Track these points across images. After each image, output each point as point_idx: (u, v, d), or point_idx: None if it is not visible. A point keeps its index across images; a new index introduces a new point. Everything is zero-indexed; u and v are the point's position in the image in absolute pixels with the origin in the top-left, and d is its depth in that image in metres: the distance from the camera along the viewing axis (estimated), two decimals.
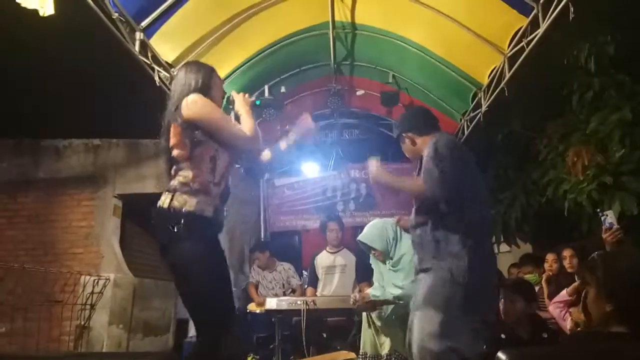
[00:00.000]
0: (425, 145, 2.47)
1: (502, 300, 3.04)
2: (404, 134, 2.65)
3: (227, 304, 2.20)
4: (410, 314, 2.40)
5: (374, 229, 3.58)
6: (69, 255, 6.23)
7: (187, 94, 2.21)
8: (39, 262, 5.97)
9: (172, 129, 2.20)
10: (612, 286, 1.33)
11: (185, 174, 2.17)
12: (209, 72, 2.37)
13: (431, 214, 2.33)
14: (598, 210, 3.11)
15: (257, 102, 2.48)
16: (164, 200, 2.15)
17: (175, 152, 2.19)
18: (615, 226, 2.60)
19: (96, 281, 5.73)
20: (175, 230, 2.08)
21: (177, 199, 2.12)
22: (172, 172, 2.24)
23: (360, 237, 3.62)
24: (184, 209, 2.10)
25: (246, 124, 2.28)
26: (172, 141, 2.19)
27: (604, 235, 2.62)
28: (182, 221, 2.09)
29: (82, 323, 5.66)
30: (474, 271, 2.18)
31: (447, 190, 2.24)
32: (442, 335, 2.12)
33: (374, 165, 2.52)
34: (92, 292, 5.71)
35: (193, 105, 2.16)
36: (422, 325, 2.20)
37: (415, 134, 2.60)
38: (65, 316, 5.64)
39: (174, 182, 2.18)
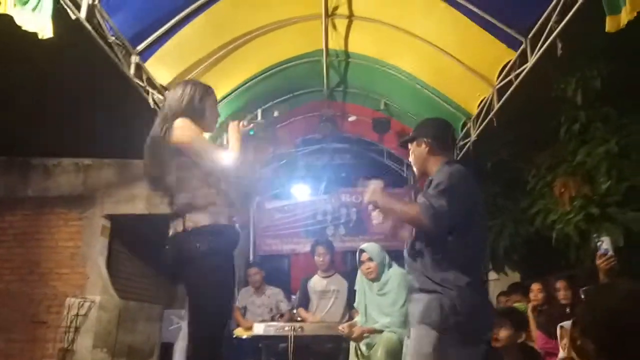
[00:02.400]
0: (436, 166, 2.38)
1: (498, 325, 3.06)
2: (425, 139, 2.45)
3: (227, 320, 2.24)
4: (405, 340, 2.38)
5: (375, 246, 3.78)
6: (54, 275, 6.16)
7: (175, 117, 2.20)
8: (24, 281, 5.90)
9: (160, 152, 2.19)
10: (594, 325, 1.34)
11: (184, 196, 2.16)
12: (203, 92, 2.35)
13: (431, 238, 2.26)
14: (595, 236, 3.12)
15: (251, 132, 2.46)
16: (177, 226, 2.13)
17: (167, 177, 2.20)
18: (610, 253, 2.58)
19: (81, 303, 5.65)
20: (200, 247, 2.07)
21: (189, 220, 2.11)
22: (169, 199, 2.23)
23: (363, 246, 3.75)
24: (200, 225, 2.10)
25: (232, 151, 2.27)
26: (163, 165, 2.20)
27: (597, 262, 2.60)
28: (203, 237, 2.09)
29: (66, 346, 5.56)
30: (472, 296, 2.15)
31: (444, 223, 2.15)
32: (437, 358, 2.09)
33: (375, 185, 2.39)
34: (77, 315, 5.62)
35: (178, 130, 2.15)
36: (419, 345, 2.16)
37: (435, 146, 2.43)
38: (49, 338, 5.55)
39: (176, 209, 2.16)
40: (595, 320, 1.37)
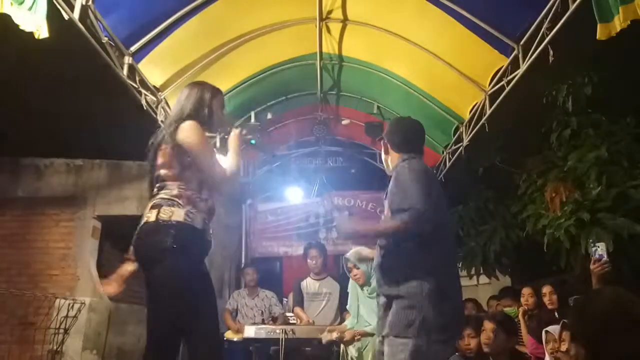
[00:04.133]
0: (394, 164, 2.45)
1: (484, 331, 3.07)
2: (385, 139, 2.59)
3: (197, 327, 2.07)
4: (377, 343, 2.37)
5: (361, 252, 3.68)
6: (44, 276, 6.10)
7: (184, 119, 2.22)
8: (13, 283, 5.84)
9: (162, 149, 2.20)
10: (583, 330, 1.36)
11: (170, 190, 2.14)
12: (211, 93, 2.38)
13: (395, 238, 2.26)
14: (590, 240, 3.13)
15: (252, 142, 2.47)
16: (149, 216, 2.09)
17: (162, 171, 2.19)
18: (605, 258, 2.60)
19: (71, 305, 5.60)
20: (165, 241, 2.02)
21: (163, 212, 2.06)
22: (155, 190, 2.19)
23: (347, 255, 3.70)
24: (172, 219, 2.05)
25: (229, 165, 2.28)
26: (161, 160, 2.19)
27: (592, 267, 2.62)
28: (172, 231, 2.03)
29: (55, 348, 5.50)
30: (441, 296, 2.14)
31: (424, 220, 2.13)
32: None
33: (343, 220, 2.46)
34: (67, 316, 5.57)
35: (185, 132, 2.16)
36: (393, 353, 2.16)
37: (391, 145, 2.53)
38: (37, 340, 5.48)
39: (157, 199, 2.13)
40: (584, 325, 1.40)
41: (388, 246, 2.29)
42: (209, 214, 2.22)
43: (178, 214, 2.06)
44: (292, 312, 4.97)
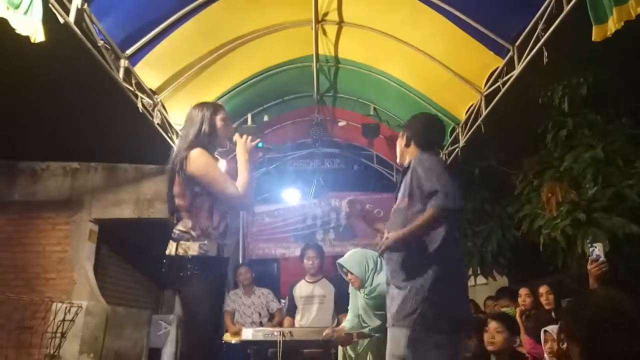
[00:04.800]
0: (411, 158, 2.48)
1: (487, 331, 3.08)
2: (406, 133, 2.61)
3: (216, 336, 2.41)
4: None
5: (355, 255, 3.67)
6: (41, 280, 6.09)
7: (190, 147, 2.35)
8: (9, 287, 5.83)
9: (175, 179, 2.35)
10: (578, 329, 1.38)
11: (185, 223, 2.33)
12: (212, 113, 2.47)
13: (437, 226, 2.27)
14: (587, 241, 3.14)
15: (260, 145, 2.51)
16: (170, 249, 2.31)
17: (177, 201, 2.35)
18: (602, 259, 2.61)
19: (68, 308, 5.60)
20: (185, 273, 2.26)
21: (181, 247, 2.29)
22: (175, 220, 2.38)
23: (340, 260, 3.68)
24: (189, 254, 2.27)
25: (241, 179, 2.37)
26: (175, 190, 2.36)
27: (589, 267, 2.63)
28: (189, 265, 2.26)
29: (52, 352, 5.49)
30: (448, 290, 2.17)
31: (457, 197, 2.19)
32: (414, 356, 2.10)
33: (383, 241, 2.36)
34: (64, 320, 5.56)
35: (193, 161, 2.30)
36: (392, 342, 2.20)
37: (412, 140, 2.57)
38: (34, 344, 5.48)
39: (176, 231, 2.33)
40: (579, 324, 1.42)
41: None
42: (223, 237, 2.40)
43: (193, 248, 2.28)
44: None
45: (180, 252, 2.29)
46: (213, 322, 2.32)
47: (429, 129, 2.63)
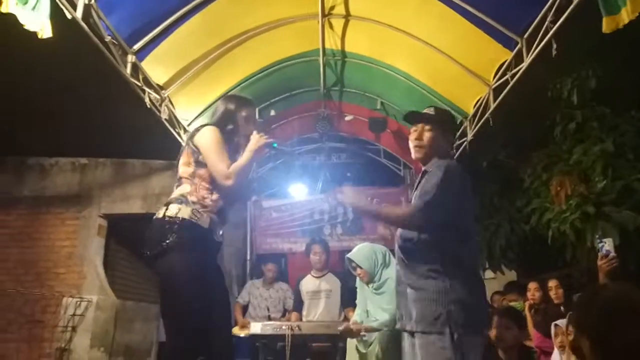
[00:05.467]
0: (437, 156, 2.34)
1: (497, 326, 3.07)
2: (443, 128, 2.40)
3: (202, 326, 2.08)
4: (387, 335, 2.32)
5: (364, 249, 3.67)
6: (51, 275, 6.14)
7: (206, 124, 2.41)
8: (20, 282, 5.89)
9: (184, 150, 2.36)
10: (588, 322, 1.37)
11: (183, 189, 2.27)
12: (238, 106, 2.51)
13: (422, 235, 2.20)
14: (597, 236, 3.13)
15: (274, 145, 2.50)
16: (159, 212, 2.20)
17: (181, 169, 2.33)
18: (612, 254, 2.58)
19: (78, 303, 5.65)
20: (168, 237, 2.08)
21: (171, 209, 2.17)
22: (175, 188, 2.32)
23: (349, 255, 3.68)
24: (178, 216, 2.14)
25: (239, 162, 2.34)
26: (182, 160, 2.35)
27: (599, 263, 2.61)
28: (175, 228, 2.10)
29: (63, 345, 5.55)
30: (467, 289, 2.11)
31: (438, 217, 2.11)
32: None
33: (348, 191, 2.32)
34: (74, 314, 5.61)
35: (202, 133, 2.33)
36: (425, 349, 2.10)
37: (447, 138, 2.42)
38: (45, 338, 5.54)
39: (171, 197, 2.26)
40: (589, 318, 1.42)
41: (412, 238, 2.24)
42: (218, 214, 2.30)
43: (184, 211, 2.16)
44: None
45: (170, 213, 2.14)
46: (197, 306, 2.05)
47: (456, 129, 2.55)
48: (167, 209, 2.17)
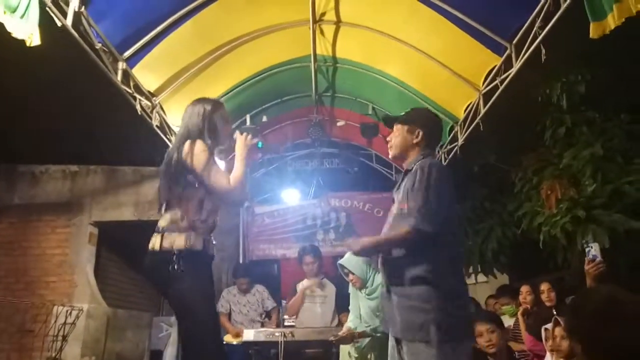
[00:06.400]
0: (415, 156, 2.36)
1: (481, 334, 3.08)
2: (418, 128, 2.40)
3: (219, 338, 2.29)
4: (388, 341, 2.31)
5: (354, 257, 3.63)
6: (41, 283, 6.10)
7: (187, 138, 2.32)
8: (10, 290, 5.83)
9: (167, 170, 2.32)
10: (579, 327, 1.38)
11: (174, 214, 2.27)
12: (212, 109, 2.44)
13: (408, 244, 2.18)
14: (584, 241, 3.15)
15: (259, 145, 2.49)
16: (154, 242, 2.24)
17: (167, 192, 2.31)
18: (599, 258, 2.61)
19: (69, 312, 5.60)
20: (169, 268, 2.16)
21: (166, 239, 2.22)
22: (163, 209, 2.32)
23: (341, 261, 3.67)
24: (174, 248, 2.19)
25: (235, 173, 2.33)
26: (165, 181, 2.33)
27: (586, 267, 2.63)
28: (174, 259, 2.17)
29: (54, 355, 5.49)
30: (451, 296, 2.10)
31: (436, 221, 2.10)
32: None
33: (353, 242, 2.33)
34: (65, 323, 5.56)
35: (189, 150, 2.27)
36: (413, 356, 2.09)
37: (424, 138, 2.39)
38: (36, 347, 5.49)
39: (162, 222, 2.27)
40: (580, 321, 1.43)
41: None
42: (209, 232, 2.35)
43: (179, 242, 2.20)
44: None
45: (166, 245, 2.20)
46: (212, 322, 2.24)
47: (439, 129, 2.53)
48: (162, 239, 2.22)
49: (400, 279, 2.18)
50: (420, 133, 2.39)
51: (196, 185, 2.28)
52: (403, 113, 2.51)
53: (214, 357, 2.20)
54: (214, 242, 2.38)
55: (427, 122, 2.47)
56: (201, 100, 2.52)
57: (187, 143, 2.29)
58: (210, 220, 2.33)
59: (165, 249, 2.20)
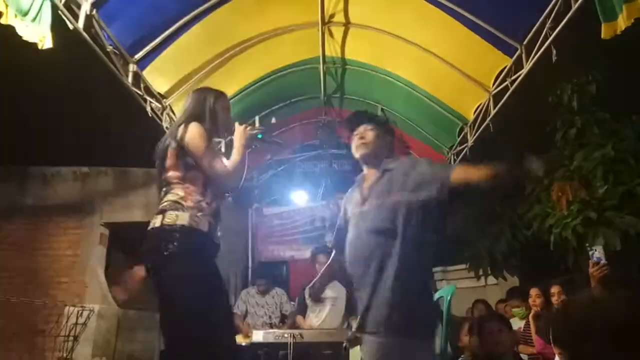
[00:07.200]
0: (386, 157, 2.42)
1: (491, 332, 3.07)
2: (390, 133, 2.55)
3: (211, 333, 2.02)
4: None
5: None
6: (53, 284, 6.15)
7: (187, 121, 2.26)
8: (22, 291, 5.88)
9: (168, 152, 2.22)
10: (564, 334, 1.38)
11: (176, 193, 2.15)
12: (214, 98, 2.41)
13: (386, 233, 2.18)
14: (587, 244, 3.14)
15: (259, 136, 2.42)
16: (155, 221, 2.11)
17: (169, 173, 2.20)
18: (603, 261, 2.60)
19: (80, 312, 5.64)
20: (169, 246, 2.02)
21: (168, 217, 2.08)
22: (162, 193, 2.21)
23: None
24: (177, 223, 2.06)
25: (232, 158, 2.27)
26: (168, 163, 2.21)
27: (590, 270, 2.63)
28: (177, 236, 2.04)
29: (65, 355, 5.54)
30: (413, 291, 2.09)
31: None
32: None
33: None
34: (76, 323, 5.61)
35: (186, 133, 2.20)
36: (369, 351, 2.12)
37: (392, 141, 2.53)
38: (47, 347, 5.53)
39: (164, 203, 2.15)
40: (564, 329, 1.43)
41: (359, 237, 2.24)
42: (215, 217, 2.22)
43: (183, 218, 2.07)
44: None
45: (168, 221, 2.06)
46: (201, 313, 1.99)
47: (393, 134, 2.64)
48: (164, 217, 2.08)
49: (362, 274, 2.19)
50: (389, 138, 2.52)
51: (198, 169, 2.19)
52: (377, 115, 2.63)
53: (191, 352, 1.97)
54: (219, 233, 2.25)
55: (389, 128, 2.60)
56: (204, 89, 2.51)
57: (189, 125, 2.22)
58: (214, 204, 2.22)
59: (166, 225, 2.06)
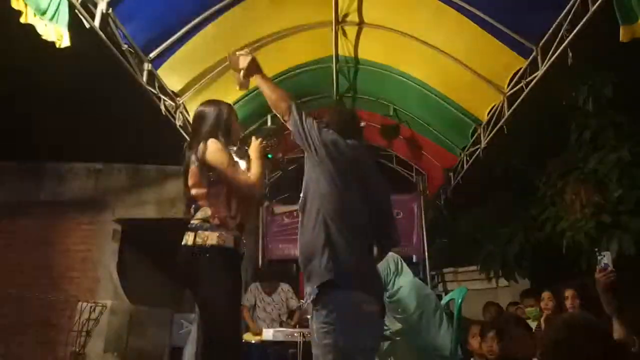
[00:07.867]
0: None
1: (485, 339, 3.05)
2: None
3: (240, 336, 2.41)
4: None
5: None
6: (65, 279, 6.21)
7: (205, 138, 2.39)
8: (36, 285, 5.96)
9: (190, 170, 2.39)
10: (547, 352, 1.41)
11: (204, 212, 2.35)
12: (228, 111, 2.56)
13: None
14: (596, 250, 3.11)
15: (269, 156, 2.62)
16: (187, 239, 2.31)
17: (194, 191, 2.38)
18: (610, 267, 2.58)
19: (93, 307, 5.70)
20: (201, 263, 2.26)
21: (199, 237, 2.29)
22: (192, 210, 2.39)
23: None
24: (207, 244, 2.27)
25: (254, 170, 2.44)
26: (191, 181, 2.39)
27: (597, 275, 2.61)
28: (207, 255, 2.26)
29: (77, 350, 5.60)
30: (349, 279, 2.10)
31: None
32: None
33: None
34: (89, 319, 5.67)
35: (207, 150, 2.34)
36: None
37: None
38: (60, 342, 5.60)
39: (194, 222, 2.35)
40: (545, 350, 1.48)
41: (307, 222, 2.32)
42: (240, 229, 2.41)
43: (212, 238, 2.28)
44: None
45: (199, 241, 2.28)
46: (235, 320, 2.33)
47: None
48: (195, 236, 2.29)
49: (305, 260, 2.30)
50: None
51: (220, 184, 2.35)
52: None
53: (233, 355, 2.25)
54: (244, 241, 2.45)
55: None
56: (213, 102, 2.61)
57: (208, 142, 2.37)
58: (239, 216, 2.39)
59: (198, 245, 2.27)
